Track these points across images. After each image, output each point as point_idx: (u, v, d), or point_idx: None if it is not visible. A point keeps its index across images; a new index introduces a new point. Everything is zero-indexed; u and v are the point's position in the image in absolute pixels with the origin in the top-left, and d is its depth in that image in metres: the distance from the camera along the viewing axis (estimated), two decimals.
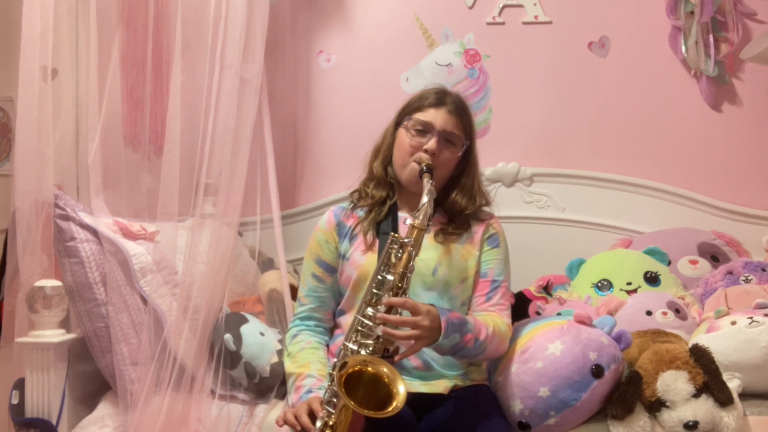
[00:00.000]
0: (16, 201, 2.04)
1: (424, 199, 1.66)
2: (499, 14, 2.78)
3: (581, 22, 2.75)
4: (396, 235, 1.64)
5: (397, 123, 1.87)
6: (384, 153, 1.88)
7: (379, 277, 1.61)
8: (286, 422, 1.59)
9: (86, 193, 2.17)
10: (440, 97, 1.83)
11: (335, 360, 1.61)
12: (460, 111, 1.84)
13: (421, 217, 1.63)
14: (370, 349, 1.55)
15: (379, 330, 1.55)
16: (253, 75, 2.22)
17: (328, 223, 1.88)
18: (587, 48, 2.76)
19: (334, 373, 1.48)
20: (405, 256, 1.61)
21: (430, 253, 1.78)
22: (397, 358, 1.57)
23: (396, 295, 1.59)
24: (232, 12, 2.14)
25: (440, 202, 1.82)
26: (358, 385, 1.50)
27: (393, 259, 1.62)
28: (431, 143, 1.78)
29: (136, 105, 2.30)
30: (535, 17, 2.77)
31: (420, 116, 1.81)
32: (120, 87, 2.24)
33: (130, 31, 2.28)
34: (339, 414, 1.49)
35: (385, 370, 1.51)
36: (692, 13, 2.65)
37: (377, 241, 1.80)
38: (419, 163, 1.77)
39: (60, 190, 2.07)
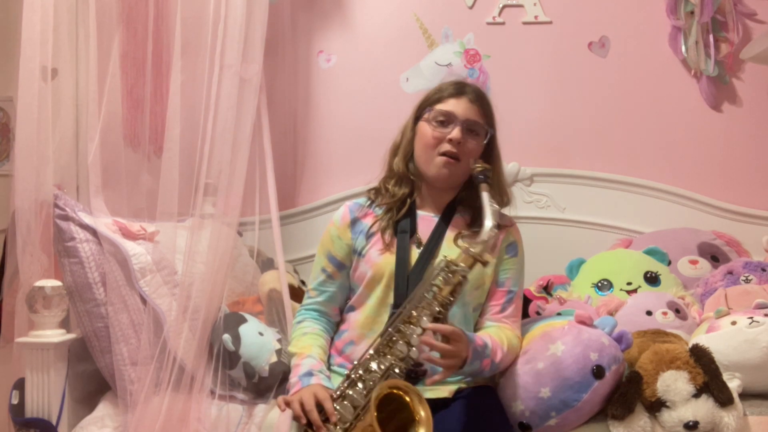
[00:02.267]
0: (16, 201, 2.03)
1: (489, 224, 1.61)
2: (499, 14, 2.78)
3: (581, 22, 2.75)
4: (451, 259, 1.61)
5: (417, 118, 1.84)
6: (404, 150, 1.84)
7: (426, 295, 1.58)
8: (293, 412, 1.56)
9: (86, 193, 2.16)
10: (459, 88, 1.81)
11: (355, 362, 1.60)
12: (481, 99, 1.81)
13: (480, 248, 1.60)
14: (399, 368, 1.54)
15: (414, 352, 1.54)
16: (253, 75, 2.21)
17: (343, 219, 1.84)
18: (587, 48, 2.76)
19: (374, 387, 1.48)
20: (455, 281, 1.58)
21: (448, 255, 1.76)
22: (429, 381, 1.59)
23: (436, 319, 1.57)
24: (232, 12, 2.13)
25: (464, 199, 1.81)
26: (384, 406, 1.47)
27: (440, 283, 1.59)
28: (455, 132, 1.74)
29: (136, 105, 2.30)
30: (535, 17, 2.77)
31: (441, 107, 1.78)
32: (120, 87, 2.24)
33: (130, 31, 2.28)
34: (355, 423, 1.49)
35: (423, 413, 1.47)
36: (692, 13, 2.65)
37: (395, 241, 1.77)
38: (455, 158, 1.74)
39: (60, 190, 2.06)
